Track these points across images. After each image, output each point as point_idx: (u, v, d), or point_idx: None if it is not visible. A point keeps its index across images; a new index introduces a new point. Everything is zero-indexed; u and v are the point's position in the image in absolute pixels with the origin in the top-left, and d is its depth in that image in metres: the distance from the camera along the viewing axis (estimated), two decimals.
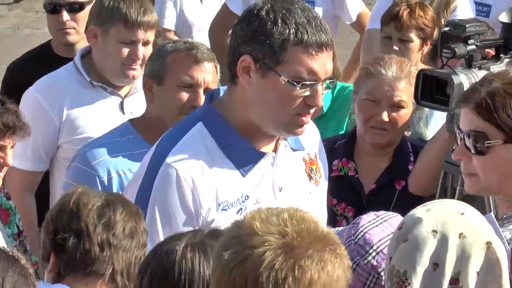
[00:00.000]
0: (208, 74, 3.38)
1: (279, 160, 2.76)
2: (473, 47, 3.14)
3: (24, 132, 3.41)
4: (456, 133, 2.58)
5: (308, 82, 2.55)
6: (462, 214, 2.24)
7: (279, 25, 2.52)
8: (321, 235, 1.71)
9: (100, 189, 3.20)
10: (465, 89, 2.98)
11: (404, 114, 3.61)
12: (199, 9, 5.88)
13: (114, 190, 3.30)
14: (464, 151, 2.52)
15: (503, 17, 3.35)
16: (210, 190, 2.64)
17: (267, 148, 2.74)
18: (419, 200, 3.36)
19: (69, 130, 3.81)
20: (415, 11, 4.34)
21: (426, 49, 4.35)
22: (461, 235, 2.17)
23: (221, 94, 2.79)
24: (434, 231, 2.18)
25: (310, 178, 2.90)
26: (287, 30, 2.52)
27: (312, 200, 2.76)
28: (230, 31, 5.60)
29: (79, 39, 4.36)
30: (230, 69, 2.64)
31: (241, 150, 2.71)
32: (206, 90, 3.32)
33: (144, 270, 2.25)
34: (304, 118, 2.63)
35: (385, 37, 4.38)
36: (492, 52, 3.32)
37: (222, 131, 2.68)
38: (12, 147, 3.40)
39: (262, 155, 2.71)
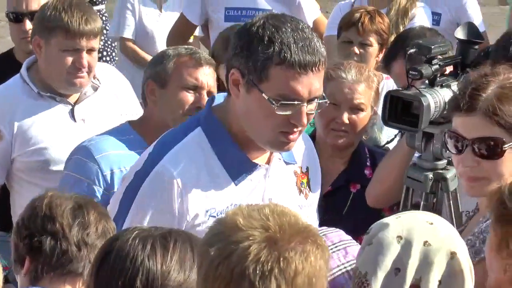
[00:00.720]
0: (210, 77, 3.44)
1: (271, 172, 2.78)
2: (437, 66, 3.14)
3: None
4: (453, 141, 2.61)
5: (288, 102, 2.55)
6: (431, 224, 2.26)
7: (265, 43, 2.52)
8: (302, 227, 1.75)
9: (101, 183, 3.32)
10: (431, 110, 3.05)
11: (363, 116, 3.64)
12: (159, 19, 6.02)
13: (116, 186, 3.32)
14: (472, 157, 2.56)
15: (459, 33, 3.35)
16: (200, 196, 2.65)
17: (261, 159, 2.76)
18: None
19: (22, 142, 3.78)
20: (375, 17, 4.46)
21: (381, 55, 4.39)
22: (425, 243, 2.20)
23: (222, 100, 2.80)
24: (399, 237, 2.20)
25: (300, 191, 2.90)
26: (271, 49, 2.51)
27: (301, 213, 2.61)
28: (190, 40, 5.62)
29: None
30: (226, 79, 2.67)
31: (236, 160, 2.71)
32: (208, 93, 3.41)
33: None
34: (290, 136, 2.63)
35: (345, 41, 4.48)
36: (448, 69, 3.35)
37: (220, 138, 2.70)
38: None
39: (255, 166, 2.72)
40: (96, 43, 3.87)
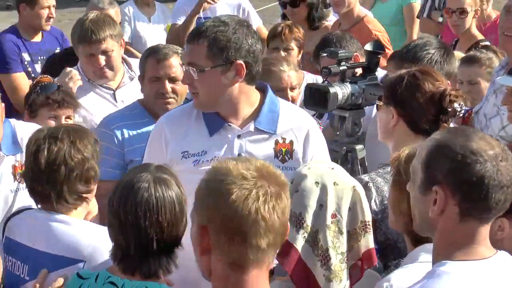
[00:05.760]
0: (170, 68, 3.61)
1: (245, 134, 2.92)
2: (344, 67, 3.38)
3: (75, 106, 3.71)
4: None
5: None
6: (333, 169, 2.53)
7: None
8: (279, 179, 1.89)
9: (115, 143, 3.61)
10: (338, 98, 3.30)
11: (297, 93, 4.03)
12: (148, 27, 6.43)
13: (126, 145, 3.66)
14: None
15: (367, 46, 3.60)
16: (179, 139, 2.87)
17: (237, 123, 2.91)
18: None
19: (79, 114, 3.98)
20: (292, 29, 4.82)
21: (300, 55, 4.75)
22: (335, 183, 2.47)
23: None
24: (317, 183, 2.46)
25: (276, 156, 3.00)
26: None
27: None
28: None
29: None
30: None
31: (214, 120, 2.90)
32: (172, 80, 3.60)
33: (113, 198, 2.37)
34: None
35: (274, 48, 4.79)
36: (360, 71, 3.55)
37: (201, 113, 2.92)
38: (67, 117, 3.68)
39: (228, 126, 2.88)
40: (109, 45, 4.05)
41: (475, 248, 1.99)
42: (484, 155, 1.94)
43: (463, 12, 5.14)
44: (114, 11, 5.00)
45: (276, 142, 2.97)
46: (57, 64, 4.73)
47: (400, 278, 2.25)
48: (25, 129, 3.28)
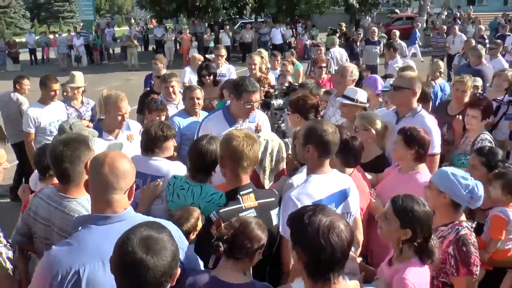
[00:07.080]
0: (198, 93, 5.08)
1: (244, 123, 4.03)
2: (277, 92, 4.96)
3: (167, 110, 5.05)
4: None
5: (249, 103, 3.85)
6: (271, 134, 3.49)
7: (239, 85, 3.88)
8: (253, 136, 2.58)
9: (176, 128, 4.64)
10: (275, 105, 4.65)
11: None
12: (194, 76, 8.18)
13: (181, 128, 4.82)
14: None
15: (286, 84, 5.43)
16: (217, 131, 3.68)
17: (242, 119, 4.02)
18: None
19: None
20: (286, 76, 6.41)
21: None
22: (272, 140, 3.40)
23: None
24: (264, 139, 3.38)
25: (255, 131, 4.07)
26: (242, 87, 3.83)
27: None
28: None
29: None
30: (230, 97, 3.96)
31: (231, 120, 4.02)
32: (198, 98, 5.03)
33: (189, 147, 3.14)
34: (249, 113, 3.93)
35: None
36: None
37: (226, 114, 4.05)
38: (163, 115, 5.02)
39: (237, 121, 3.99)
40: (173, 84, 5.82)
41: (323, 168, 2.84)
42: (328, 131, 2.74)
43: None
44: (164, 70, 6.53)
45: (255, 125, 4.14)
46: (143, 97, 6.67)
47: (295, 178, 3.14)
48: (131, 120, 4.57)
